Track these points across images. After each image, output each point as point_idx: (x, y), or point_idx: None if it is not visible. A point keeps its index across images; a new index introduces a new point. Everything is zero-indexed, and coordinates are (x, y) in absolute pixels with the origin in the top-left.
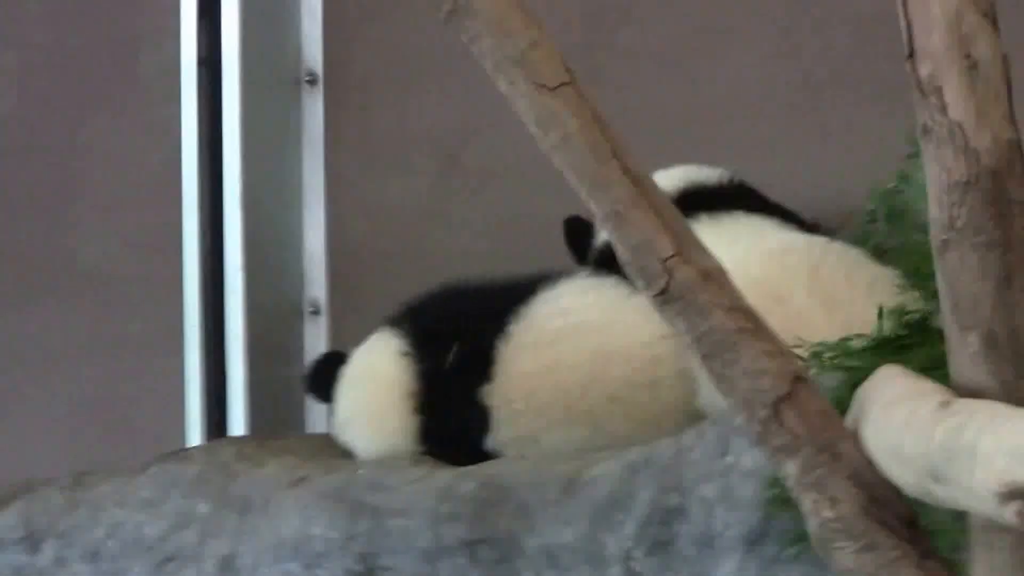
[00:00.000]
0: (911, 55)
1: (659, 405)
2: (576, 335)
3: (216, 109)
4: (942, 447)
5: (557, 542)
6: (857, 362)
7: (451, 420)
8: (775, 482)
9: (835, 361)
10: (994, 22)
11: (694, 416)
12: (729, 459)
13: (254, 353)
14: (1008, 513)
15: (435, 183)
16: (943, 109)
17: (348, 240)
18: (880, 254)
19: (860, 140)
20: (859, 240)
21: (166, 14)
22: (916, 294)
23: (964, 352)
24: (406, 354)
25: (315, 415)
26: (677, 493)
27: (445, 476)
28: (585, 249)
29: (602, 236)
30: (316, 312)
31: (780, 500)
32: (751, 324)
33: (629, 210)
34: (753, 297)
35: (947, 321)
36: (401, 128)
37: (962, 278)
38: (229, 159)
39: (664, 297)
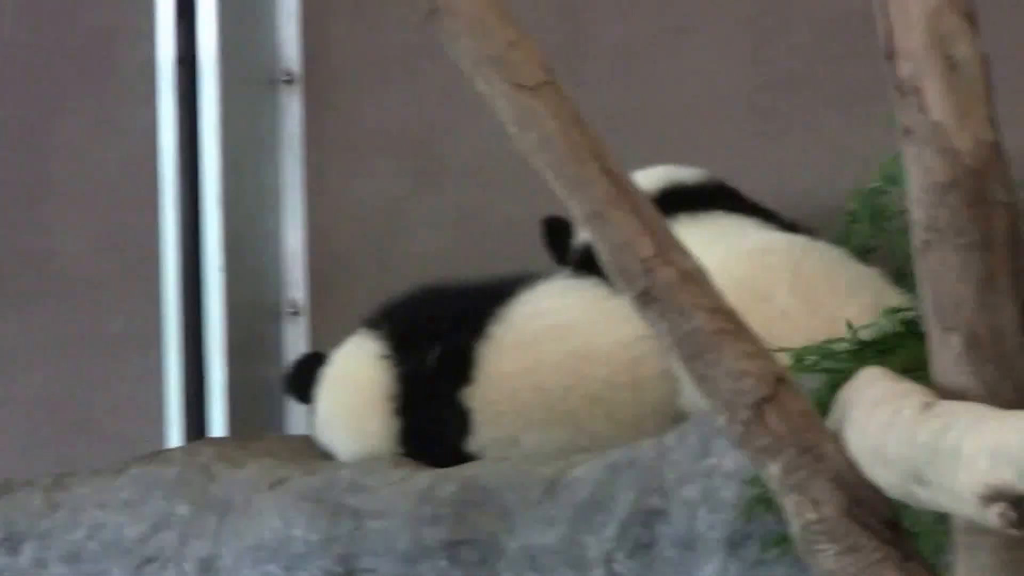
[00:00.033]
0: (890, 55)
1: (640, 406)
2: (556, 336)
3: (194, 109)
4: (925, 449)
5: (538, 544)
6: (839, 364)
7: (431, 422)
8: (757, 483)
9: (817, 363)
10: (974, 22)
11: (676, 417)
12: (711, 461)
13: (233, 354)
14: (991, 515)
15: (414, 182)
16: (923, 110)
17: (327, 240)
18: (862, 254)
19: (830, 140)
20: (840, 240)
21: (143, 12)
22: (898, 294)
23: (946, 353)
24: (385, 356)
25: (295, 416)
26: (659, 495)
27: (425, 478)
28: (564, 249)
29: (581, 236)
30: (295, 312)
31: (762, 502)
32: (732, 325)
33: (609, 211)
34: (735, 296)
35: (929, 322)
36: (380, 127)
37: (944, 279)
38: (207, 159)
39: (645, 298)
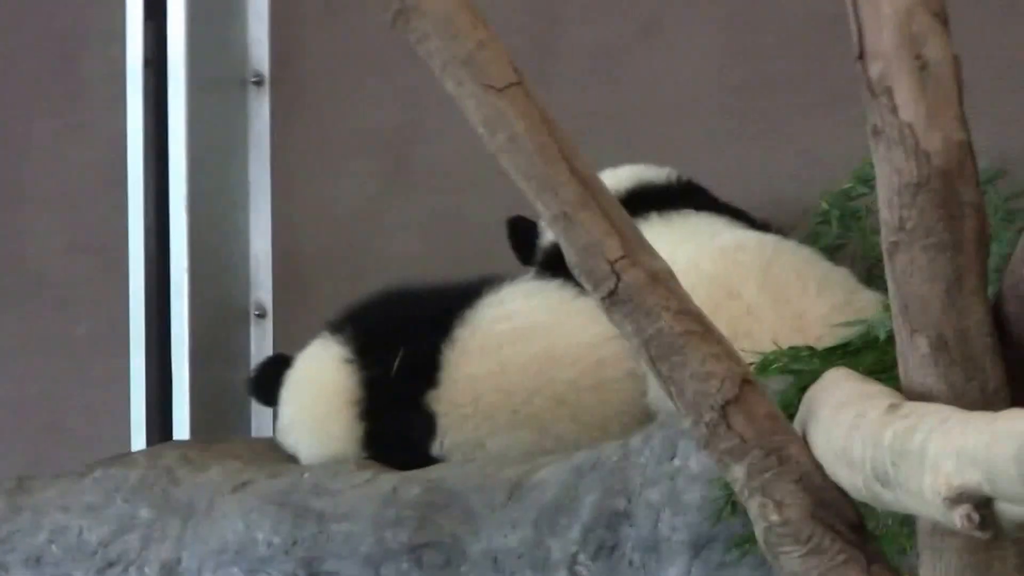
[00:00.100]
0: (861, 55)
1: (606, 407)
2: (522, 339)
3: (162, 110)
4: (890, 451)
5: (502, 546)
6: (805, 365)
7: (396, 426)
8: (725, 486)
9: (784, 364)
10: (945, 22)
11: (641, 418)
12: (676, 463)
13: (199, 356)
14: (956, 517)
15: (382, 185)
16: (893, 110)
17: (294, 242)
18: (832, 254)
19: (801, 140)
20: (811, 240)
21: (111, 15)
22: (868, 295)
23: (913, 355)
24: (349, 361)
25: (260, 419)
26: (623, 497)
27: (390, 480)
28: (530, 249)
29: (547, 236)
30: (262, 315)
31: (730, 504)
32: (699, 327)
33: (577, 212)
34: (705, 292)
35: (897, 323)
36: (348, 129)
37: (912, 280)
38: (175, 161)
39: (612, 299)
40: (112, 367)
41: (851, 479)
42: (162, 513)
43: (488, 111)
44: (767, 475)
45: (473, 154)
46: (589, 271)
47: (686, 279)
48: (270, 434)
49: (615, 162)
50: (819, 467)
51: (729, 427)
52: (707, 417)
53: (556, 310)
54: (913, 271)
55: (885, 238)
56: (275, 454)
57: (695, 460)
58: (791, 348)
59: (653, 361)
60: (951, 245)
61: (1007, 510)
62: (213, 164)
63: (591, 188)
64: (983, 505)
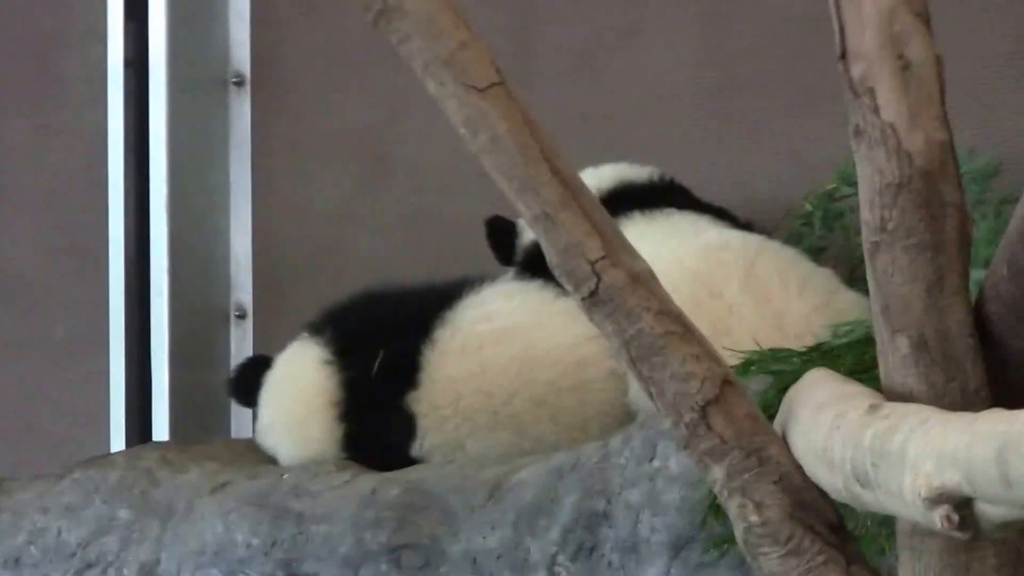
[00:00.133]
0: (843, 55)
1: (586, 408)
2: (502, 340)
3: (143, 111)
4: (870, 451)
5: (481, 548)
6: (786, 366)
7: (376, 427)
8: (703, 486)
9: (764, 365)
10: (927, 22)
11: (622, 419)
12: (655, 464)
13: (179, 357)
14: (935, 517)
15: (362, 186)
16: (875, 110)
17: (274, 243)
18: (815, 255)
19: (781, 141)
20: (793, 241)
21: (93, 15)
22: (850, 295)
23: (894, 355)
24: (329, 362)
25: (240, 420)
26: (603, 498)
27: (369, 482)
28: (508, 249)
29: (526, 236)
30: (242, 316)
31: (707, 504)
32: (679, 328)
33: (558, 212)
34: (688, 290)
35: (877, 324)
36: (328, 130)
37: (893, 280)
38: (155, 162)
39: (592, 300)
40: (91, 368)
41: (831, 480)
42: (141, 514)
43: (470, 111)
44: (747, 476)
45: (454, 154)
46: (570, 271)
47: (669, 276)
48: (250, 435)
49: (596, 163)
50: (799, 468)
51: (709, 428)
52: (687, 418)
53: (536, 311)
54: (894, 271)
55: (866, 238)
56: (255, 455)
57: (675, 461)
58: (772, 349)
59: (633, 362)
60: (932, 245)
61: (987, 511)
62: (193, 165)
63: (572, 188)
64: (963, 506)
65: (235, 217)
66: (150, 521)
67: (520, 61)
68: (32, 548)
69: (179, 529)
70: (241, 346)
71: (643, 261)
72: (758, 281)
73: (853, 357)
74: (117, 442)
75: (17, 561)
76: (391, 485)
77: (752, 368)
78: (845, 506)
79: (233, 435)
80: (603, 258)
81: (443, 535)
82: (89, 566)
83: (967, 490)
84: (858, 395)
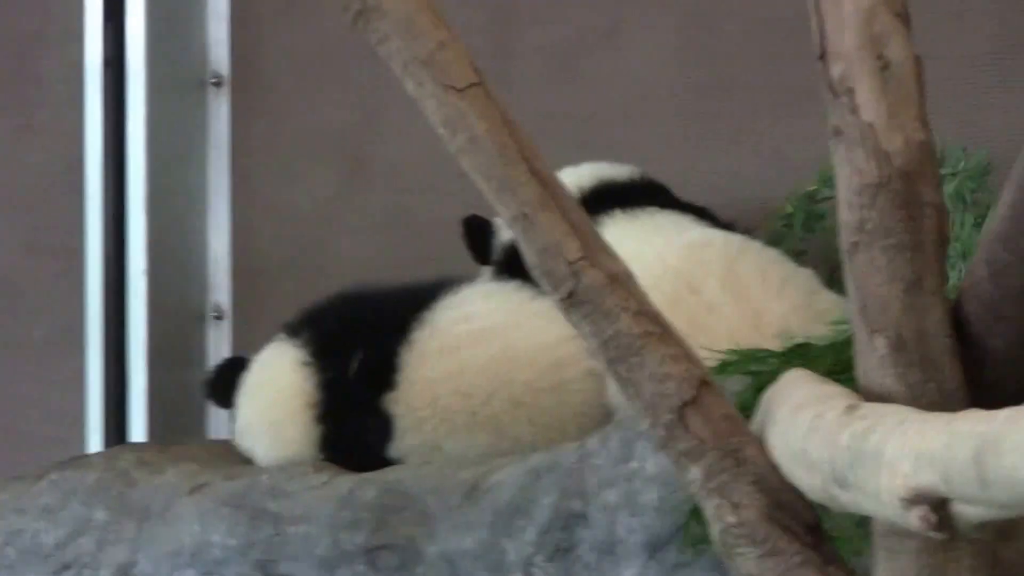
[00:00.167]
0: (823, 56)
1: (564, 409)
2: (480, 340)
3: (121, 111)
4: (848, 452)
5: (458, 549)
6: (764, 366)
7: (354, 429)
8: (680, 487)
9: (742, 365)
10: (907, 22)
11: (600, 420)
12: (632, 464)
13: (157, 358)
14: (912, 518)
15: (341, 186)
16: (855, 110)
17: (253, 244)
18: (795, 256)
19: (762, 141)
20: (774, 242)
21: (71, 15)
22: (829, 296)
23: (872, 355)
24: (306, 363)
25: (217, 421)
26: (579, 499)
27: (346, 482)
28: (485, 248)
29: (504, 235)
30: (220, 317)
31: (684, 505)
32: (657, 328)
33: (537, 213)
34: (668, 287)
35: (855, 324)
36: (307, 130)
37: (871, 281)
38: (133, 162)
39: (570, 300)
40: (69, 369)
41: (808, 480)
42: (118, 515)
43: (449, 112)
44: (724, 476)
45: (433, 155)
46: (548, 272)
47: (650, 274)
48: (227, 436)
49: (576, 163)
50: (776, 469)
51: (686, 429)
52: (664, 418)
53: (515, 312)
54: (872, 272)
55: (845, 239)
56: (232, 456)
57: (652, 462)
58: (750, 349)
59: (611, 362)
60: (911, 246)
61: (964, 511)
62: (172, 165)
63: (551, 189)
64: (940, 506)
65: (213, 217)
66: (127, 522)
67: (499, 61)
68: (9, 549)
69: (156, 530)
70: (219, 347)
71: (622, 262)
72: (738, 280)
73: (831, 357)
74: (94, 443)
75: None
76: (368, 486)
77: (730, 368)
78: (822, 507)
79: (211, 436)
80: (581, 259)
81: (420, 536)
82: (66, 567)
83: (944, 490)
84: (836, 396)
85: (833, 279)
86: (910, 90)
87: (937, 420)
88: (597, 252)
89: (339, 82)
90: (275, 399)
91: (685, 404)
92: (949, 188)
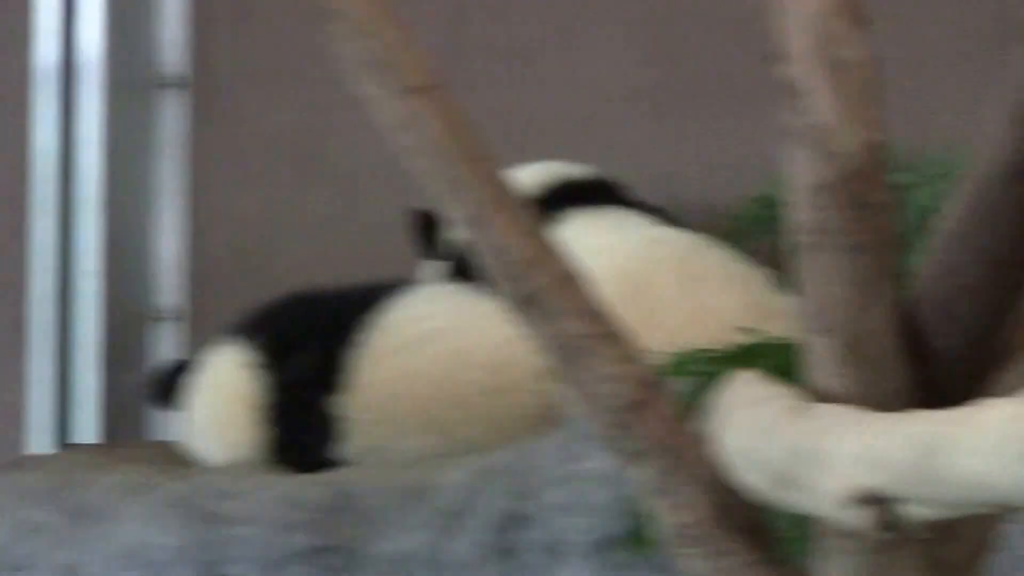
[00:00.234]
0: (776, 55)
1: (513, 410)
2: (431, 342)
3: (75, 112)
4: (795, 452)
5: (403, 550)
6: (713, 366)
7: (303, 431)
8: (627, 487)
9: (690, 366)
10: (863, 22)
11: (548, 421)
12: (578, 465)
13: (107, 359)
14: (859, 518)
15: (298, 188)
16: (809, 111)
17: (208, 246)
18: (751, 256)
19: (722, 141)
20: (727, 241)
21: (25, 15)
22: (781, 296)
23: (822, 356)
24: (255, 365)
25: (167, 423)
26: (525, 499)
27: (293, 484)
28: (430, 243)
29: (454, 235)
30: (172, 318)
31: (631, 506)
32: (607, 329)
33: (489, 214)
34: (622, 284)
35: (805, 324)
36: (265, 132)
37: (822, 281)
38: (86, 163)
39: (522, 301)
40: (13, 370)
41: (756, 481)
42: (64, 517)
43: (403, 113)
44: (671, 477)
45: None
46: (500, 273)
47: (604, 271)
48: (176, 438)
49: (529, 164)
50: (725, 469)
51: (634, 429)
52: (612, 419)
53: (465, 313)
54: (823, 272)
55: (796, 239)
56: (180, 458)
57: (598, 462)
58: (700, 349)
59: (560, 363)
60: (862, 247)
61: (910, 511)
62: (125, 167)
63: (503, 190)
64: (888, 507)
65: (167, 219)
66: (73, 524)
67: (454, 62)
68: None
69: (102, 532)
70: (172, 349)
71: (573, 263)
72: (692, 277)
73: (781, 358)
74: (40, 444)
75: None
76: (313, 487)
77: (679, 369)
78: (771, 507)
79: (160, 438)
80: (532, 259)
81: (365, 537)
82: (12, 569)
83: (891, 490)
84: (785, 396)
85: (785, 279)
86: (865, 91)
87: (886, 420)
88: (549, 253)
89: (295, 83)
90: (223, 400)
91: (633, 405)
92: (926, 192)
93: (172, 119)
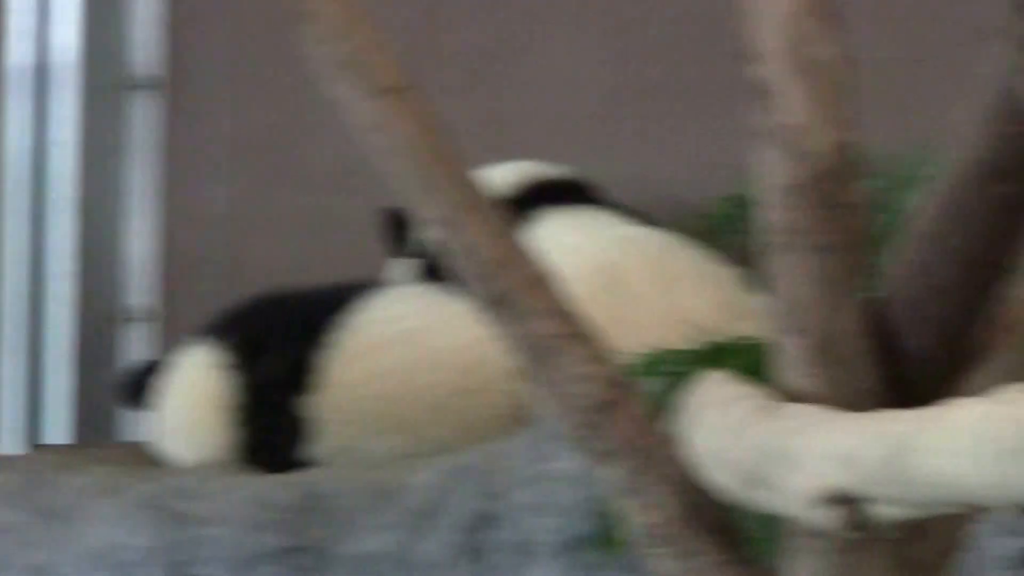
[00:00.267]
0: (749, 56)
1: (483, 411)
2: (402, 342)
3: (48, 113)
4: (764, 451)
5: (372, 550)
6: (684, 366)
7: (274, 432)
8: (597, 487)
9: (660, 365)
10: (836, 22)
11: (518, 421)
12: (548, 465)
13: (78, 360)
14: (828, 518)
15: (271, 189)
16: (780, 111)
17: (181, 246)
18: (722, 256)
19: (691, 142)
20: (699, 241)
21: None
22: (752, 295)
23: (792, 356)
24: (226, 366)
25: (137, 424)
26: (494, 499)
27: (262, 484)
28: (401, 241)
29: (424, 235)
30: (144, 319)
31: (599, 505)
32: (577, 329)
33: (460, 215)
34: (595, 282)
35: (775, 324)
36: (238, 134)
37: (793, 282)
38: (60, 163)
39: (492, 301)
40: None
41: (726, 481)
42: (34, 517)
43: (375, 114)
44: (641, 477)
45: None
46: (470, 273)
47: (577, 269)
48: (146, 439)
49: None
50: (694, 469)
51: (603, 429)
52: (582, 419)
53: (435, 313)
54: (793, 272)
55: (767, 240)
56: (151, 459)
57: (567, 462)
58: (670, 349)
59: (530, 363)
60: (833, 247)
61: (878, 511)
62: (99, 167)
63: (473, 191)
64: (856, 506)
65: (140, 220)
66: (43, 524)
67: (428, 64)
68: None
69: (72, 532)
70: (144, 349)
71: (543, 263)
72: (665, 276)
73: (752, 357)
74: (11, 445)
75: None
76: (283, 488)
77: (650, 368)
78: (740, 507)
79: (130, 439)
80: (503, 260)
81: (334, 537)
82: None
83: (860, 490)
84: (755, 396)
85: (757, 279)
86: (838, 91)
87: (856, 420)
88: (518, 254)
89: (266, 86)
90: (194, 401)
91: (602, 405)
92: (906, 194)
93: (145, 120)
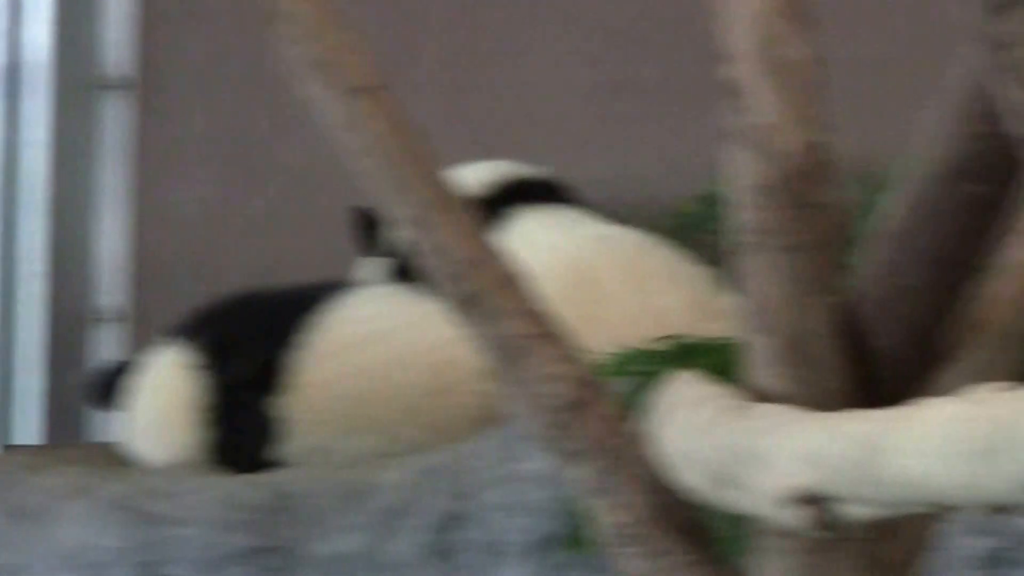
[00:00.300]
0: (722, 56)
1: (454, 411)
2: (373, 343)
3: (20, 113)
4: (734, 451)
5: (342, 551)
6: (653, 365)
7: (244, 432)
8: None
9: (629, 365)
10: (807, 22)
11: (489, 421)
12: (517, 465)
13: (49, 361)
14: (796, 517)
15: (242, 189)
16: (752, 111)
17: (153, 247)
18: (696, 255)
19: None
20: (672, 240)
21: None
22: (724, 294)
23: (762, 356)
24: (197, 366)
25: (109, 424)
26: (463, 499)
27: (232, 484)
28: (372, 240)
29: (396, 235)
30: (115, 319)
31: (569, 505)
32: (547, 329)
33: (431, 215)
34: (567, 280)
35: (746, 325)
36: (209, 134)
37: (763, 281)
38: (31, 164)
39: (463, 301)
40: None
41: (695, 480)
42: (4, 518)
43: (349, 114)
44: (609, 477)
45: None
46: (441, 273)
47: (550, 267)
48: (118, 439)
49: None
50: (663, 468)
51: (573, 429)
52: (551, 419)
53: (406, 313)
54: (764, 272)
55: (738, 239)
56: (121, 459)
57: (536, 462)
58: (640, 348)
59: (500, 363)
60: (803, 246)
61: (848, 511)
62: (70, 167)
63: (445, 192)
64: (824, 506)
65: (111, 220)
66: (13, 525)
67: (404, 64)
68: None
69: (42, 533)
70: (114, 350)
71: (514, 263)
72: (638, 274)
73: (721, 357)
74: None
75: None
76: (252, 488)
77: (620, 367)
78: (710, 507)
79: (101, 439)
80: (474, 260)
81: (304, 538)
82: None
83: (831, 490)
84: (725, 395)
85: (728, 278)
86: (809, 91)
87: (825, 419)
88: (490, 253)
89: (239, 85)
90: (165, 401)
91: (572, 405)
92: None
93: (117, 120)
